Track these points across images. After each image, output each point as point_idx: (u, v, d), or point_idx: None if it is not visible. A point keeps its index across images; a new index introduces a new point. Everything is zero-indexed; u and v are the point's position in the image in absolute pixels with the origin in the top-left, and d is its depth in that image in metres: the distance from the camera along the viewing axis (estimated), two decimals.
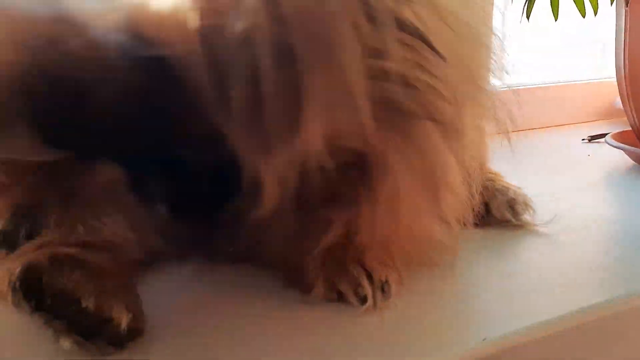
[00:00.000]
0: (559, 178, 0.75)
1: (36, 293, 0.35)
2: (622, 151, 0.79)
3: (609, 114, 1.10)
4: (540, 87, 1.08)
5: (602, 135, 0.94)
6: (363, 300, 0.41)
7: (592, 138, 0.95)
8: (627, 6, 0.74)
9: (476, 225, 0.54)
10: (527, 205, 0.57)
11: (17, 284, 0.35)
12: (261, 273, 0.45)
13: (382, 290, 0.41)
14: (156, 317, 0.38)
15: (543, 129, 1.04)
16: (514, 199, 0.57)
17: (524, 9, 0.85)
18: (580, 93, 1.09)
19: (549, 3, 0.85)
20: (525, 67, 1.22)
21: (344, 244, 0.42)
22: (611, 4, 0.83)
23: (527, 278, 0.47)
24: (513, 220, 0.56)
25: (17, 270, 0.36)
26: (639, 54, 0.74)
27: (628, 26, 0.74)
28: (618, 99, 0.86)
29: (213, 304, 0.42)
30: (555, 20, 0.85)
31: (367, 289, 0.41)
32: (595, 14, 0.84)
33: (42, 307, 0.35)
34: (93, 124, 0.37)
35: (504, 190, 0.58)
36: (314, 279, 0.42)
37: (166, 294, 0.44)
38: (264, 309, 0.41)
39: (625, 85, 0.78)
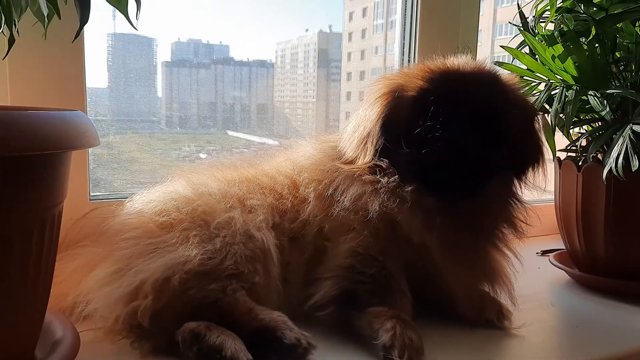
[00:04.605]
0: (518, 287, 1.04)
1: None
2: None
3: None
4: None
5: (552, 251, 1.23)
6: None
7: (544, 252, 1.25)
8: (560, 169, 1.04)
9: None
10: (508, 315, 0.84)
11: None
12: None
13: None
14: None
15: None
16: (501, 312, 0.84)
17: None
18: (538, 212, 1.38)
19: None
20: None
21: None
22: (553, 158, 1.14)
23: None
24: (500, 326, 0.83)
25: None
26: (568, 205, 1.03)
27: (560, 184, 1.04)
28: None
29: None
30: None
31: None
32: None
33: None
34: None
35: (495, 302, 0.85)
36: None
37: None
38: None
39: (560, 222, 1.07)
